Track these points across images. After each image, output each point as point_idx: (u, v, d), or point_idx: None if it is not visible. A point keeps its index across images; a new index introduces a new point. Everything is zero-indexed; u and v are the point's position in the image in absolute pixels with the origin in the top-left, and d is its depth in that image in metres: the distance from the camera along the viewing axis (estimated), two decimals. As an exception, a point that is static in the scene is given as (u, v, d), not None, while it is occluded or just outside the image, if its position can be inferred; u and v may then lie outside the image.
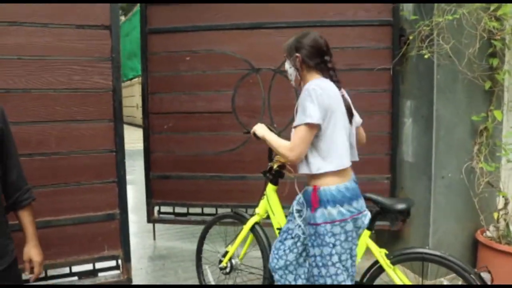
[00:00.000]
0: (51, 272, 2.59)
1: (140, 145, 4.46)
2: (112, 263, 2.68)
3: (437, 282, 2.92)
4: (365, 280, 2.25)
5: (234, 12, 3.59)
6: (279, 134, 3.53)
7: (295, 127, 1.85)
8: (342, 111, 1.91)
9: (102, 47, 2.48)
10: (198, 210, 3.95)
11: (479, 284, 1.97)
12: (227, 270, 2.72)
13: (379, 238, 3.78)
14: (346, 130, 1.92)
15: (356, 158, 2.01)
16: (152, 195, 3.88)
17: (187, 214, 3.91)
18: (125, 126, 2.71)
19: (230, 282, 2.92)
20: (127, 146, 2.79)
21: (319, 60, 1.96)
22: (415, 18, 3.17)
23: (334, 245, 1.88)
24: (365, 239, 2.27)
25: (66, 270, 2.62)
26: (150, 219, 3.93)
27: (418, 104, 3.28)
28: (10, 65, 2.32)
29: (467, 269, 2.02)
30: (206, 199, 3.76)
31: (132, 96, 21.00)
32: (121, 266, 2.67)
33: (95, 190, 2.54)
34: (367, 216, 1.99)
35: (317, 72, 1.96)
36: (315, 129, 1.82)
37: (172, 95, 3.78)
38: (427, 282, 3.16)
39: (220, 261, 2.74)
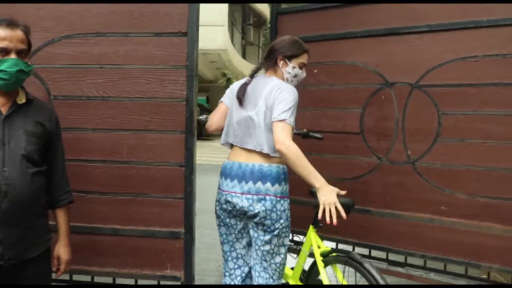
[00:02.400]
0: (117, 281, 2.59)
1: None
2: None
3: None
4: (311, 272, 2.58)
5: (367, 17, 3.05)
6: (413, 163, 2.90)
7: None
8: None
9: (178, 55, 2.36)
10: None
11: None
12: None
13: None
14: (237, 114, 2.29)
15: (253, 147, 2.20)
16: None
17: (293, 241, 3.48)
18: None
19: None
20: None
21: None
22: None
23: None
24: (311, 234, 2.53)
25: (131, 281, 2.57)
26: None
27: None
28: (93, 74, 2.41)
29: (381, 283, 2.17)
30: (320, 231, 3.27)
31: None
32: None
33: (162, 204, 2.42)
34: (233, 198, 2.19)
35: None
36: (222, 105, 2.43)
37: (297, 111, 3.45)
38: None
39: None
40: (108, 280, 2.56)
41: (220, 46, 18.10)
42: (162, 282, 2.52)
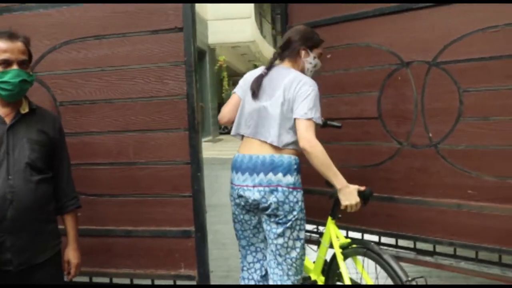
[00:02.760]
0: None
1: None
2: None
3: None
4: (332, 264, 2.50)
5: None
6: (436, 146, 2.73)
7: None
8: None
9: (176, 51, 2.32)
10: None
11: None
12: None
13: None
14: (250, 104, 2.24)
15: (265, 139, 2.16)
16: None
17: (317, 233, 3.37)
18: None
19: None
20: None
21: None
22: None
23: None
24: (329, 225, 2.47)
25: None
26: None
27: None
28: (94, 77, 2.42)
29: (400, 275, 2.08)
30: (342, 220, 3.15)
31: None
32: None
33: (172, 203, 2.40)
34: (245, 192, 2.16)
35: None
36: (234, 96, 2.37)
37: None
38: None
39: None
40: (126, 281, 2.56)
41: (249, 38, 17.96)
42: (178, 282, 2.50)
